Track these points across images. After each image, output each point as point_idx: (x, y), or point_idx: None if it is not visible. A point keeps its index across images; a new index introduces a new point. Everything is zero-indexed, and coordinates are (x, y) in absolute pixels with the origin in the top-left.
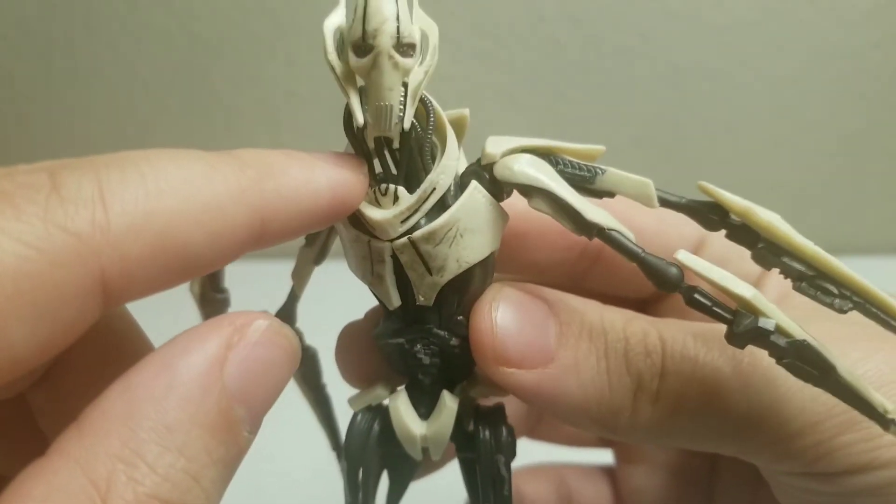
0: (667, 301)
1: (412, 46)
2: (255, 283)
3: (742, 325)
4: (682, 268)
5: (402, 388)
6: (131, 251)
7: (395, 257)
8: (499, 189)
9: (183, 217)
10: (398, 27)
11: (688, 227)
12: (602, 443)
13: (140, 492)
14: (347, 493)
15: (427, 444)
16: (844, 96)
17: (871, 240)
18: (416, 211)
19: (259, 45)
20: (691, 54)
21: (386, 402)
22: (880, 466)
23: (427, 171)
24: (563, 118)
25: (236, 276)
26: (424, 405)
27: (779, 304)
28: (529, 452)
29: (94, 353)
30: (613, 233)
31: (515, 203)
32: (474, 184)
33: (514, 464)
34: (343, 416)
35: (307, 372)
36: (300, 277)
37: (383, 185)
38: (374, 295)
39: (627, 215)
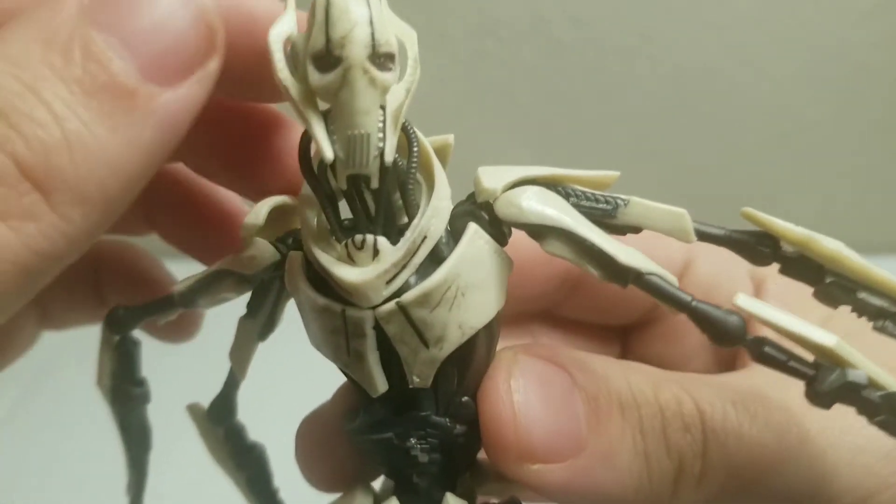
0: (650, 329)
1: (390, 57)
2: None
3: (827, 381)
4: (742, 315)
5: (392, 498)
6: None
7: (378, 329)
8: (500, 231)
9: None
10: (372, 33)
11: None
12: None
13: None
14: None
15: None
16: (849, 95)
17: (871, 240)
18: (404, 267)
19: None
20: (692, 54)
21: None
22: None
23: (412, 216)
24: (563, 118)
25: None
26: None
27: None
28: None
29: None
30: (654, 278)
31: None
32: (474, 227)
33: None
34: None
35: (253, 477)
36: (240, 358)
37: (357, 237)
38: (349, 378)
39: None
